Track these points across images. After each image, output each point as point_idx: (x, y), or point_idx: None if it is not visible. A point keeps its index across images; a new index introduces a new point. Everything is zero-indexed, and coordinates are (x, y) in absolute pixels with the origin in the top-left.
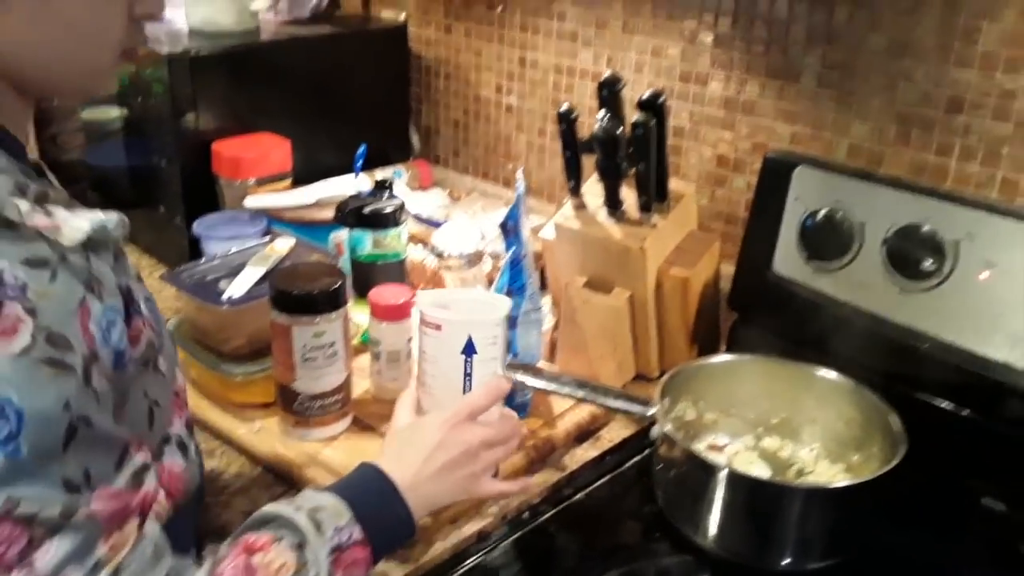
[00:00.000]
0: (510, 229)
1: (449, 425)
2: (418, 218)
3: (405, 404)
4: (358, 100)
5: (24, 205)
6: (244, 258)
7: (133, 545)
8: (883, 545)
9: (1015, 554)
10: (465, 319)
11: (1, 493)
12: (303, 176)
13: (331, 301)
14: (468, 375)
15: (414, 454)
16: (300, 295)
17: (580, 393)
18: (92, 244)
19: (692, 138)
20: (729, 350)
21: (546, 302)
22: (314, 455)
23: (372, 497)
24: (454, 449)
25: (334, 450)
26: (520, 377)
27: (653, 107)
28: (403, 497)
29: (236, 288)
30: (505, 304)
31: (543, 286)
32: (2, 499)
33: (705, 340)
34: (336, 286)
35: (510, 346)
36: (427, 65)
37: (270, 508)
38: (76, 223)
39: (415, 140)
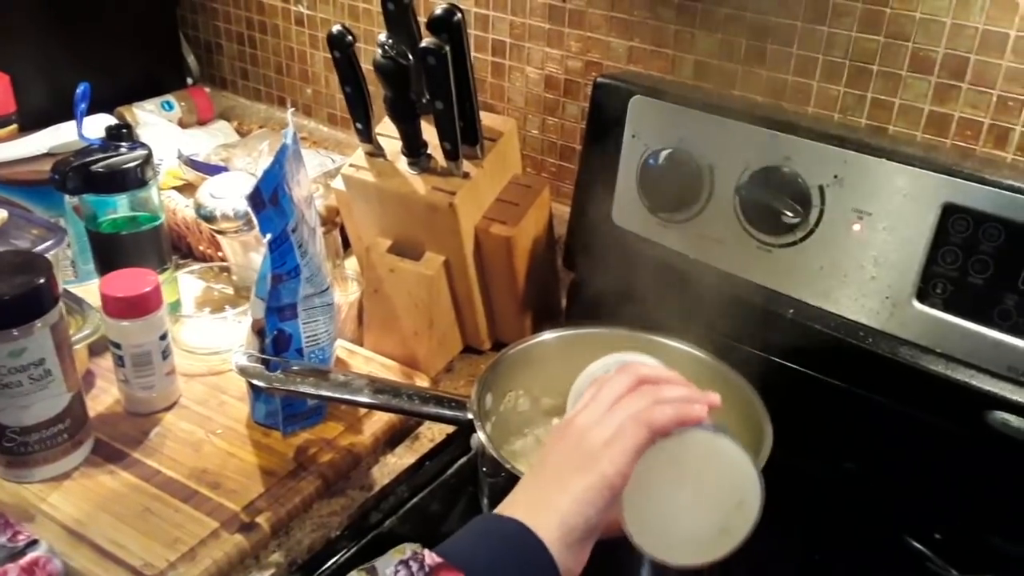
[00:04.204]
0: (264, 200)
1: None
2: (193, 163)
3: None
4: (107, 13)
5: None
6: None
7: None
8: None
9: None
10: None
11: None
12: (43, 120)
13: (29, 307)
14: None
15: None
16: None
17: (379, 400)
18: None
19: (515, 56)
20: (568, 313)
21: (350, 265)
22: (38, 503)
23: (467, 530)
24: (608, 391)
25: (65, 493)
26: (294, 387)
27: (448, 27)
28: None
29: None
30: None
31: (345, 246)
32: None
33: (542, 301)
34: (35, 285)
35: (291, 340)
36: None
37: None
38: None
39: (191, 61)
